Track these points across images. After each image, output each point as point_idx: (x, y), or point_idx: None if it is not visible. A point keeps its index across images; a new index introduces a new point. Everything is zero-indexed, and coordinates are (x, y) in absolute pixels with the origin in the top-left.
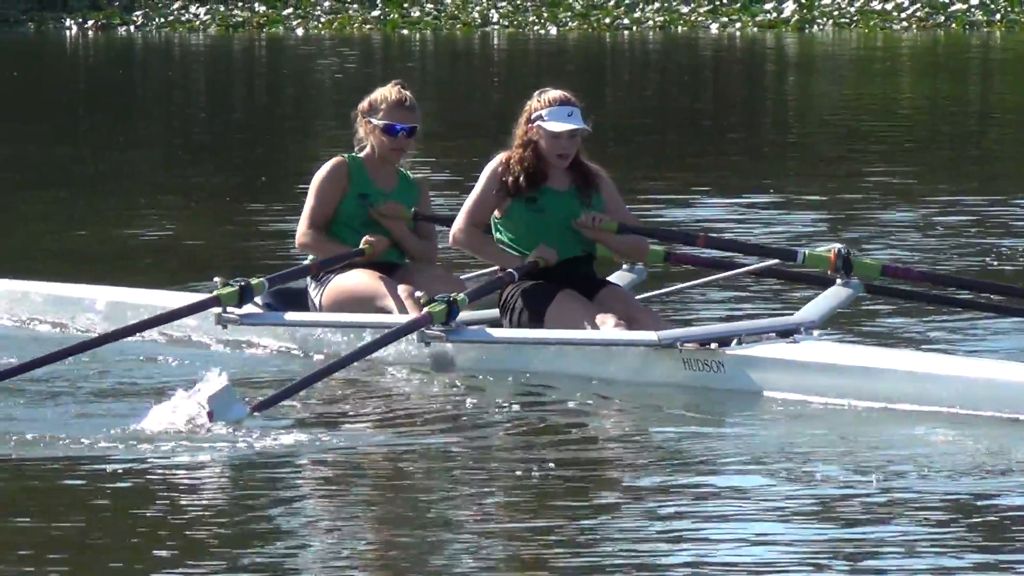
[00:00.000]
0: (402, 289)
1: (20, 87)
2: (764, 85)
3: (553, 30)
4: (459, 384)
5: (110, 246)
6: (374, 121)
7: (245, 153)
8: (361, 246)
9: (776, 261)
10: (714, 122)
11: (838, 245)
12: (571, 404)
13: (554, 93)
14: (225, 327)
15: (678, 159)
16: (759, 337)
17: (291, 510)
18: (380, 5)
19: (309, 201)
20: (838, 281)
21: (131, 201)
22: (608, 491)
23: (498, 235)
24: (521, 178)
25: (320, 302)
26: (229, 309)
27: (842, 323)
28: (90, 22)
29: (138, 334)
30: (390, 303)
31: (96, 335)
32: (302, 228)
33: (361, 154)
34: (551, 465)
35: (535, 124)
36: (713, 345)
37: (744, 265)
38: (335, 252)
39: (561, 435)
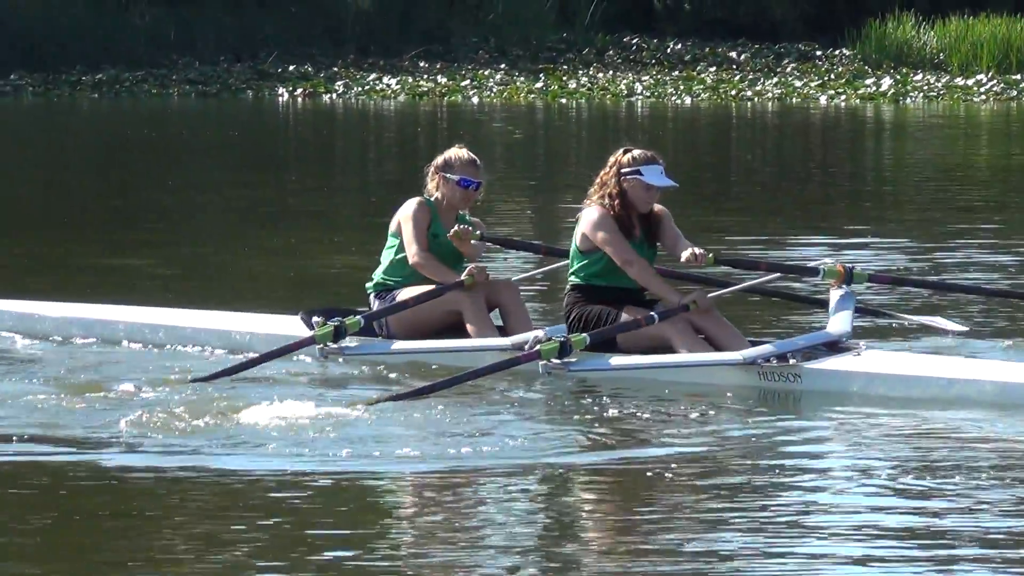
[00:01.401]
0: (463, 296)
1: (242, 145)
2: (864, 147)
3: (688, 100)
4: (545, 393)
5: (309, 273)
6: (449, 176)
7: None
8: (463, 277)
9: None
10: (822, 177)
11: (839, 261)
12: (667, 412)
13: (643, 151)
14: (326, 357)
15: (791, 207)
16: (812, 351)
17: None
18: (543, 78)
19: (411, 229)
20: (841, 289)
21: (328, 239)
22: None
23: (582, 265)
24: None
25: (387, 317)
26: (328, 344)
27: (887, 336)
28: (299, 90)
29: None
30: (458, 305)
31: (209, 374)
32: (415, 250)
33: (431, 199)
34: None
35: (630, 177)
36: (792, 360)
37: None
38: (445, 273)
39: (668, 439)
